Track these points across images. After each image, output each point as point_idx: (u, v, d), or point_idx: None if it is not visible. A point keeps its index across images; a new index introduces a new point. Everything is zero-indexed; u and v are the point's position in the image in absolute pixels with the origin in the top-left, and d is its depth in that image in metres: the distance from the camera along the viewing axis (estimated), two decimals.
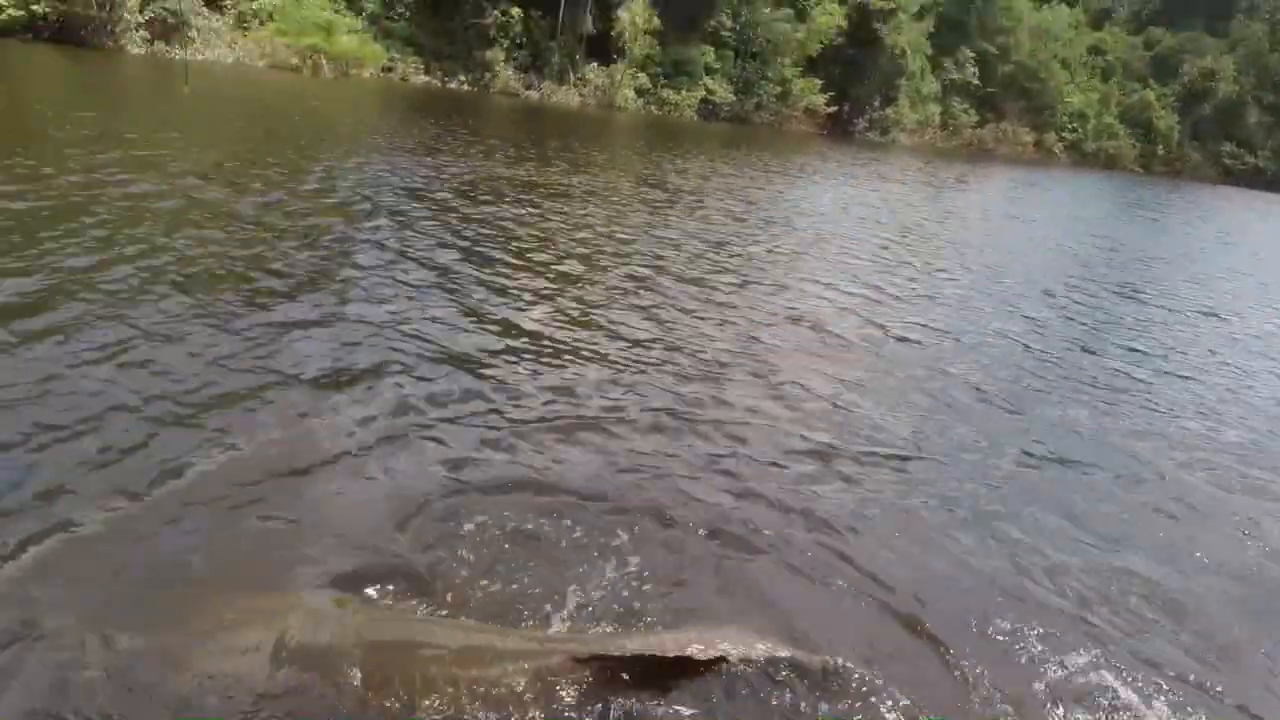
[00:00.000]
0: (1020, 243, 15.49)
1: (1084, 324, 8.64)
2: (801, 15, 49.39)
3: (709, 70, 45.34)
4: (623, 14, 40.21)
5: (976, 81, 59.37)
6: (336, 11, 33.85)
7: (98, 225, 6.23)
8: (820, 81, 49.51)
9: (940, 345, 6.83)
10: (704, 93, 44.81)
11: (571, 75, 40.64)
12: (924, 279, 9.64)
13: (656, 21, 40.84)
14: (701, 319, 6.40)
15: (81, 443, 3.28)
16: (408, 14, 37.70)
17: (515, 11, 38.45)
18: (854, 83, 51.73)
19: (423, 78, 36.82)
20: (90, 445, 3.27)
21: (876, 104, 53.58)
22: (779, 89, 48.22)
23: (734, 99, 46.18)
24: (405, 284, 5.91)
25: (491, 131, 20.21)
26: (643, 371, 5.08)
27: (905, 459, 4.42)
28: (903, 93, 54.80)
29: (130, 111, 15.08)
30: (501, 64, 38.41)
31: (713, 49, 45.31)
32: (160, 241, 6.02)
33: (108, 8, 25.45)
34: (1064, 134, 66.65)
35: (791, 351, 5.92)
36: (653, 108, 42.72)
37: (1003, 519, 3.89)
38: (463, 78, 38.11)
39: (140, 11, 26.41)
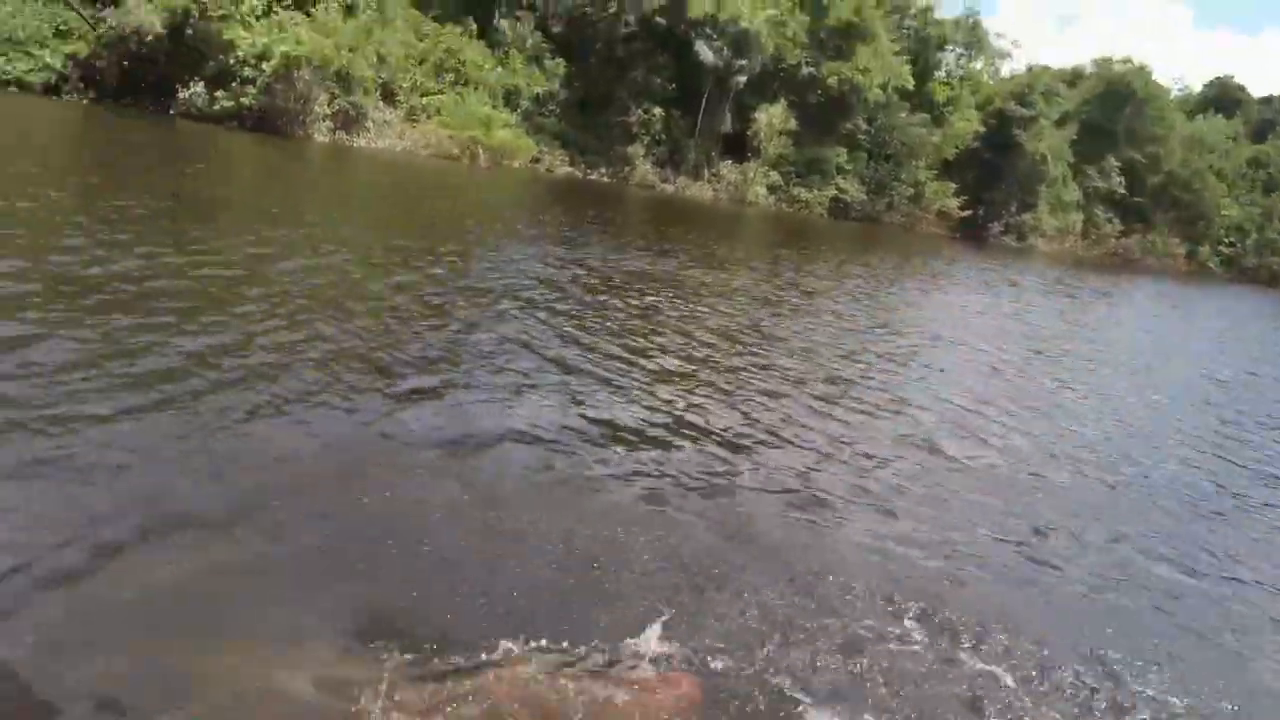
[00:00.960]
0: (1167, 363, 14.47)
1: (1234, 460, 7.92)
2: (938, 120, 49.50)
3: (841, 170, 45.85)
4: (760, 116, 41.53)
5: (1123, 190, 57.19)
6: (494, 108, 36.65)
7: (254, 296, 6.84)
8: (954, 185, 49.08)
9: (1078, 481, 6.33)
10: (835, 191, 45.24)
11: (706, 170, 42.02)
12: (1057, 401, 9.08)
13: (793, 123, 41.92)
14: (815, 433, 6.16)
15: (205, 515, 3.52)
16: (557, 111, 40.34)
17: (658, 110, 40.44)
18: (990, 187, 50.98)
19: (567, 169, 38.99)
20: (212, 510, 3.51)
21: (1013, 209, 52.42)
22: (911, 190, 48.08)
23: (865, 199, 46.36)
24: (521, 371, 6.05)
25: (625, 222, 21.07)
26: (735, 491, 4.89)
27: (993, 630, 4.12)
28: (1042, 199, 53.42)
29: (306, 192, 16.66)
30: (641, 158, 40.22)
31: (846, 150, 45.87)
32: (302, 316, 6.45)
33: (302, 101, 28.50)
34: (1220, 247, 62.80)
35: (906, 481, 5.63)
36: (783, 204, 43.41)
37: None
38: (603, 170, 40.09)
39: (329, 105, 29.42)
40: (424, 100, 34.27)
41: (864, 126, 46.37)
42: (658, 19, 39.76)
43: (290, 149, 25.72)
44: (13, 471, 3.47)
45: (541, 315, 7.98)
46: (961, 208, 49.12)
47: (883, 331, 11.42)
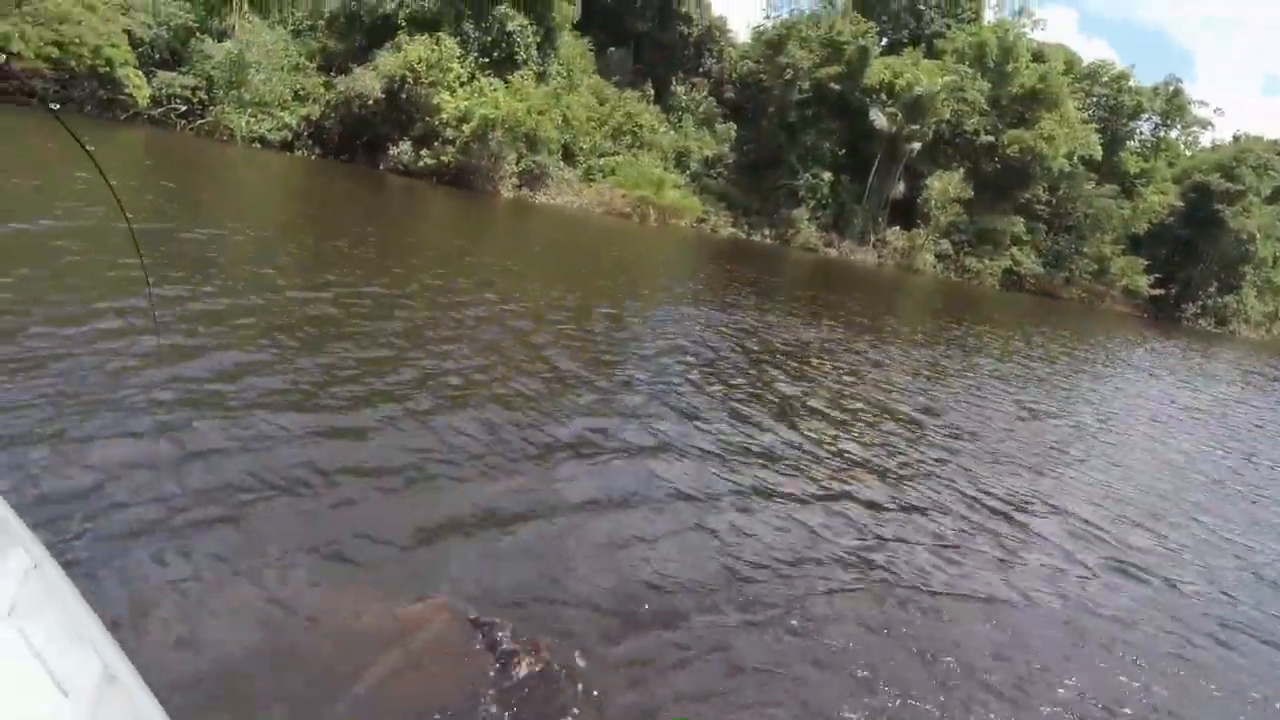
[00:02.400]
0: None
1: None
2: (1129, 192, 46.42)
3: (1016, 240, 43.76)
4: (934, 182, 40.55)
5: None
6: (666, 169, 37.93)
7: (433, 338, 7.25)
8: (1145, 261, 45.61)
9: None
10: (1009, 263, 43.19)
11: (872, 236, 41.33)
12: (1262, 526, 7.76)
13: (969, 190, 40.63)
14: (981, 531, 5.58)
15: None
16: (725, 173, 41.18)
17: (826, 174, 40.37)
18: (1186, 265, 46.98)
19: (731, 229, 39.54)
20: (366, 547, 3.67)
21: (1212, 290, 47.95)
22: (1095, 265, 45.12)
23: (1042, 271, 43.95)
24: (671, 435, 5.84)
25: (785, 285, 20.93)
26: (895, 588, 4.53)
27: None
28: (1247, 281, 48.56)
29: (491, 243, 17.73)
30: (805, 221, 40.16)
31: (1023, 220, 43.79)
32: (471, 362, 6.72)
33: (493, 160, 30.68)
34: None
35: (1057, 644, 4.84)
36: (952, 273, 41.88)
37: None
38: (767, 231, 40.33)
39: (516, 163, 31.49)
40: (601, 160, 35.98)
41: (1044, 196, 44.19)
42: (832, 85, 39.93)
43: (480, 203, 27.64)
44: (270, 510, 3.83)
45: (696, 378, 7.87)
46: (1152, 286, 45.48)
47: (1060, 418, 10.46)
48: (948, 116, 40.69)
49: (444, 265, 12.01)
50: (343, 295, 8.06)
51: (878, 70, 40.20)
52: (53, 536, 3.01)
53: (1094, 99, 47.29)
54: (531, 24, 32.86)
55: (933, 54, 43.33)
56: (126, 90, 25.45)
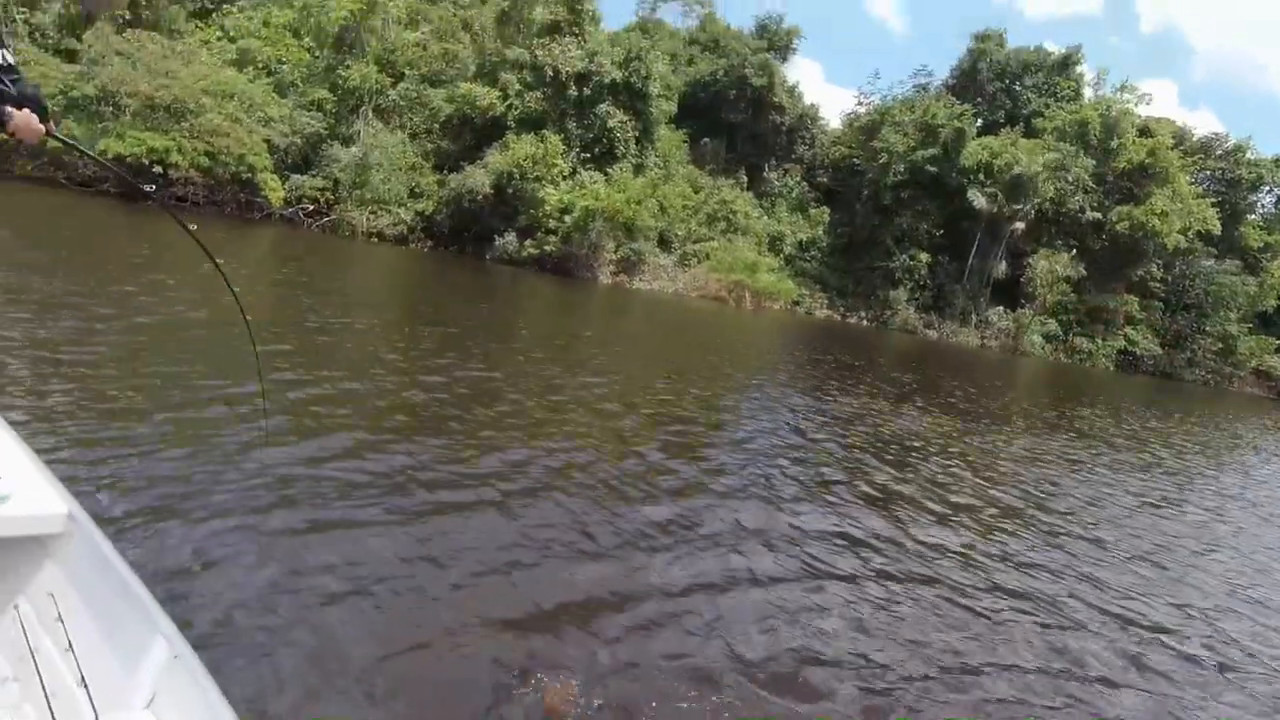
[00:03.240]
0: None
1: None
2: (1253, 268, 43.87)
3: (1131, 320, 41.77)
4: (1040, 262, 39.44)
5: None
6: (760, 253, 38.32)
7: (534, 420, 7.27)
8: (1278, 341, 42.63)
9: None
10: (1123, 343, 41.14)
11: (974, 317, 40.26)
12: None
13: (1078, 269, 39.31)
14: (1098, 659, 4.96)
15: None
16: (820, 256, 41.24)
17: (923, 255, 39.86)
18: None
19: (826, 311, 39.31)
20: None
21: None
22: (1219, 345, 42.45)
23: (1160, 352, 41.63)
24: (758, 528, 5.58)
25: (883, 368, 20.35)
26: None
27: None
28: None
29: (590, 327, 18.06)
30: (903, 303, 39.55)
31: (1137, 299, 41.88)
32: (563, 443, 6.67)
33: (593, 249, 31.74)
34: None
35: None
36: (1061, 355, 40.16)
37: None
38: (863, 314, 39.89)
39: (615, 251, 32.46)
40: (696, 246, 36.69)
41: (1159, 273, 42.23)
42: (928, 167, 39.82)
43: (580, 289, 28.48)
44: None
45: (786, 465, 7.48)
46: None
47: (1191, 512, 9.35)
48: (1051, 195, 39.79)
49: (543, 349, 12.33)
50: (445, 380, 8.35)
51: (974, 151, 39.92)
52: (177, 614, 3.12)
53: (1208, 172, 45.41)
54: (631, 120, 34.34)
55: (1031, 133, 42.79)
56: (263, 193, 27.78)
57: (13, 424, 2.59)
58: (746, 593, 4.58)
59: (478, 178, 30.96)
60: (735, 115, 42.12)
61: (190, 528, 3.80)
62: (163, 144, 25.34)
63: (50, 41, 27.88)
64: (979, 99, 45.27)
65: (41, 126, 1.71)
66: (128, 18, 28.28)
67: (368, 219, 30.23)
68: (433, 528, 4.53)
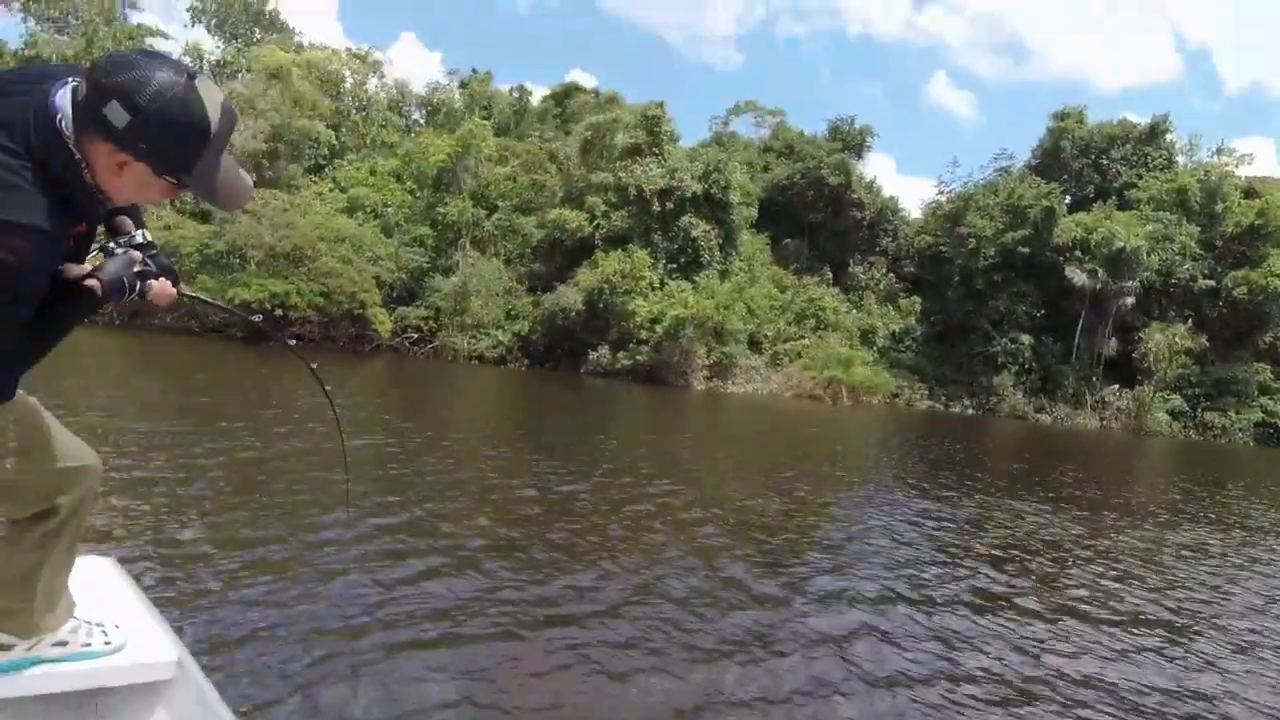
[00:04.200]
0: None
1: None
2: None
3: (1265, 389, 38.74)
4: (1155, 335, 37.45)
5: None
6: (852, 347, 37.86)
7: (601, 528, 7.16)
8: None
9: None
10: (1261, 415, 38.03)
11: (1088, 397, 38.22)
12: None
13: (1199, 340, 37.10)
14: None
15: None
16: (914, 345, 40.42)
17: (1025, 338, 38.52)
18: None
19: (927, 402, 38.11)
20: None
21: None
22: None
23: None
24: (866, 660, 4.98)
25: (991, 459, 19.21)
26: None
27: None
28: None
29: (683, 437, 17.84)
30: (1010, 388, 38.00)
31: (1269, 366, 38.97)
32: (649, 564, 6.39)
33: (684, 356, 32.10)
34: None
35: None
36: (1191, 432, 37.41)
37: None
38: (967, 402, 38.47)
39: (707, 356, 32.73)
40: (786, 345, 36.62)
41: None
42: (1020, 248, 39.03)
43: (673, 397, 28.62)
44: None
45: (895, 584, 6.83)
46: None
47: None
48: (1156, 266, 38.16)
49: (638, 460, 12.23)
50: (537, 497, 8.39)
51: (1067, 228, 39.01)
52: None
53: None
54: (713, 229, 35.28)
55: (1125, 205, 41.61)
56: (373, 326, 29.57)
57: (126, 566, 2.71)
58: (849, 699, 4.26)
59: (569, 296, 32.14)
60: (815, 215, 42.70)
61: (279, 656, 3.86)
62: (283, 288, 27.54)
63: (188, 206, 31.11)
64: (1065, 176, 44.54)
65: (174, 290, 1.87)
66: (253, 179, 31.36)
67: (468, 343, 31.61)
68: (522, 645, 4.49)
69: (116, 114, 1.41)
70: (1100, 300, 38.48)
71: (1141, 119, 46.01)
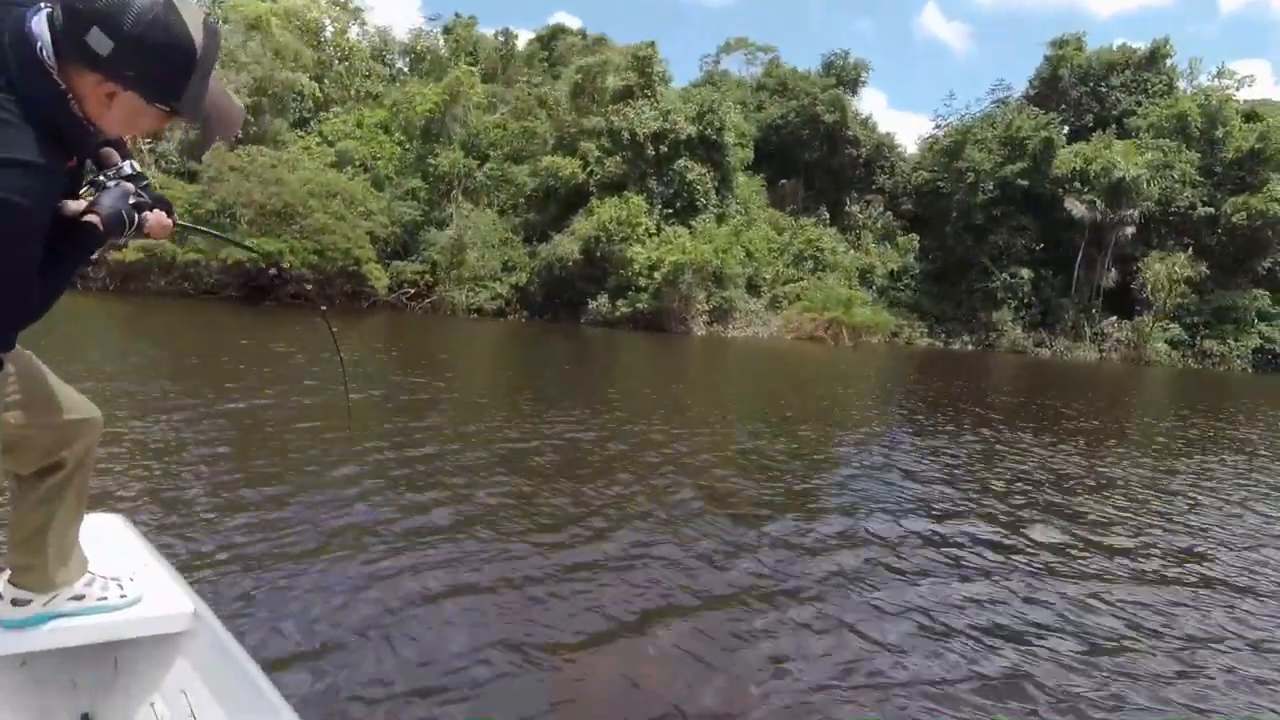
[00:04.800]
0: None
1: None
2: None
3: (1264, 315, 38.81)
4: (1155, 265, 37.32)
5: None
6: (851, 287, 37.69)
7: (608, 471, 7.26)
8: None
9: None
10: (1259, 341, 38.18)
11: (1088, 330, 38.26)
12: None
13: (1198, 269, 36.99)
14: None
15: None
16: (913, 284, 40.26)
17: (1025, 272, 38.36)
18: None
19: (927, 340, 38.15)
20: None
21: None
22: None
23: None
24: (884, 606, 4.80)
25: (994, 393, 19.24)
26: None
27: None
28: None
29: (680, 379, 17.87)
30: (1009, 323, 38.01)
31: (1268, 293, 38.97)
32: (659, 505, 6.40)
33: (684, 301, 31.93)
34: None
35: None
36: (1190, 360, 37.60)
37: None
38: (966, 338, 38.52)
39: (706, 302, 32.56)
40: (785, 288, 36.43)
41: None
42: (1018, 181, 38.58)
43: (674, 343, 28.55)
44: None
45: (898, 512, 6.77)
46: None
47: None
48: (1156, 195, 37.83)
49: (642, 407, 12.17)
50: (539, 443, 8.41)
51: (1066, 159, 38.53)
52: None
53: None
54: (709, 171, 34.75)
55: (1125, 134, 41.04)
56: (369, 282, 29.27)
57: (137, 524, 2.72)
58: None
59: (566, 245, 31.80)
60: (810, 154, 42.07)
61: (294, 608, 3.84)
62: (276, 246, 27.11)
63: (174, 166, 30.48)
64: (1063, 106, 43.87)
65: (169, 221, 1.82)
66: (239, 135, 30.63)
67: (466, 296, 31.37)
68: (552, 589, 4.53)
69: (99, 41, 1.34)
70: (1099, 231, 38.24)
71: (1142, 44, 45.11)
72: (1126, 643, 4.51)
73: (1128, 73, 44.13)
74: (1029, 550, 6.01)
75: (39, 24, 1.38)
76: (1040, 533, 6.54)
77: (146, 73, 1.40)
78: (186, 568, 4.06)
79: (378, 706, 3.14)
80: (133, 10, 1.34)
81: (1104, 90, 44.10)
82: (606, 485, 6.95)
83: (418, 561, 4.66)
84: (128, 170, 1.78)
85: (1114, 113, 43.16)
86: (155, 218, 1.79)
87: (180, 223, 1.96)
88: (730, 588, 4.86)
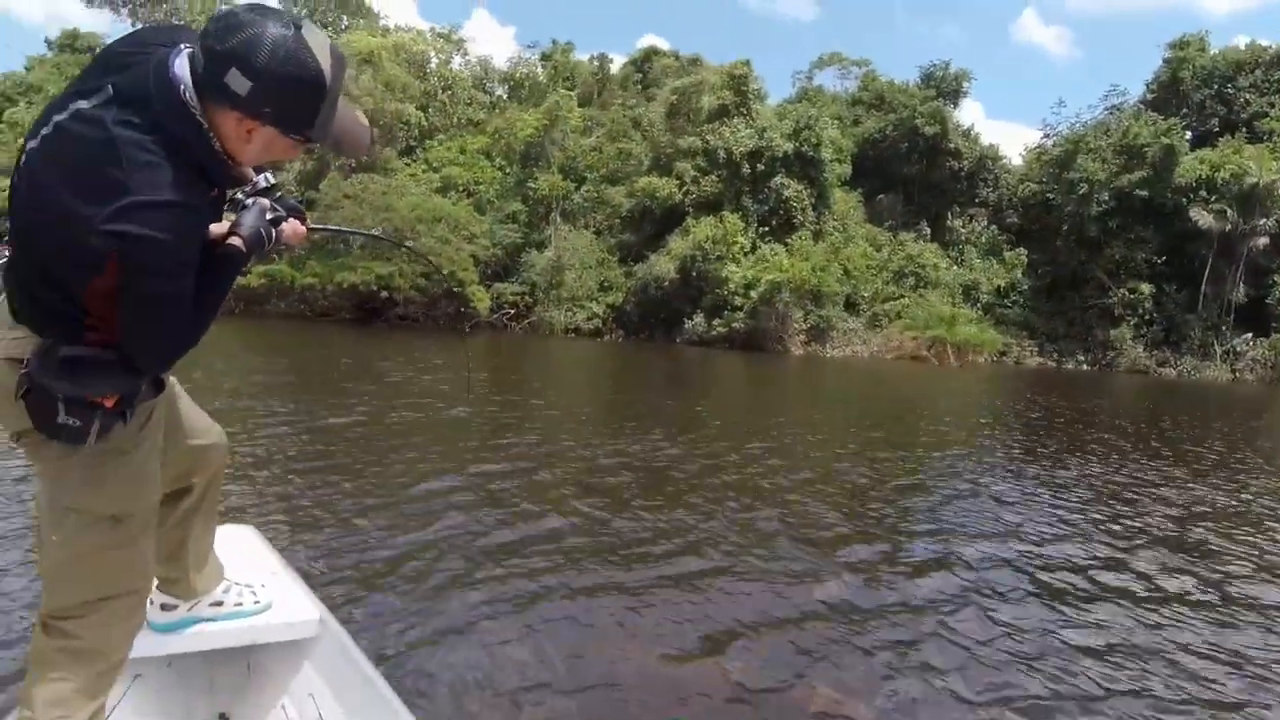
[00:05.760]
0: None
1: None
2: None
3: None
4: None
5: None
6: (955, 305, 36.38)
7: (698, 491, 7.17)
8: None
9: None
10: None
11: (1217, 348, 35.70)
12: None
13: None
14: None
15: None
16: (1021, 300, 38.54)
17: (1145, 288, 36.17)
18: None
19: (1037, 359, 36.42)
20: None
21: None
22: None
23: None
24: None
25: (1111, 418, 17.83)
26: None
27: None
28: None
29: (776, 400, 17.47)
30: (1128, 341, 35.87)
31: None
32: (743, 521, 6.34)
33: (781, 321, 31.52)
34: None
35: None
36: None
37: None
38: (1080, 358, 36.54)
39: (804, 321, 32.05)
40: (885, 306, 35.49)
41: None
42: (1136, 191, 36.51)
43: (771, 363, 28.15)
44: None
45: (1014, 577, 5.97)
46: None
47: None
48: None
49: (736, 427, 12.04)
50: (630, 461, 8.49)
51: (1190, 167, 36.23)
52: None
53: None
54: (805, 188, 34.32)
55: (1256, 138, 38.30)
56: (472, 304, 30.14)
57: (265, 534, 2.85)
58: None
59: (662, 265, 31.94)
60: (909, 168, 41.00)
61: (411, 614, 4.03)
62: (387, 270, 28.31)
63: (293, 194, 32.26)
64: (1185, 110, 41.32)
65: (304, 229, 1.90)
66: (353, 165, 32.22)
67: (564, 316, 31.88)
68: (636, 598, 4.63)
69: (238, 81, 1.40)
70: (1229, 242, 35.68)
71: (1269, 42, 42.07)
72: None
73: (1258, 73, 41.23)
74: (1136, 594, 5.51)
75: (181, 66, 1.44)
76: (1153, 569, 6.03)
77: (283, 108, 1.46)
78: (313, 575, 4.31)
79: (493, 707, 3.26)
80: (265, 46, 1.39)
81: (1231, 92, 41.31)
82: (695, 504, 6.97)
83: (521, 570, 4.84)
84: (263, 184, 1.83)
85: (1243, 116, 40.35)
86: (290, 227, 1.86)
87: (313, 226, 2.02)
88: (803, 613, 4.74)
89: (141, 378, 1.66)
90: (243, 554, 2.57)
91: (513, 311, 32.20)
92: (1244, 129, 39.22)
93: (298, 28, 1.44)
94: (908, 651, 4.18)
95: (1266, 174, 34.51)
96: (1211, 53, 42.90)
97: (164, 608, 2.17)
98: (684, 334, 32.16)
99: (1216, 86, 41.73)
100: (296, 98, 1.46)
